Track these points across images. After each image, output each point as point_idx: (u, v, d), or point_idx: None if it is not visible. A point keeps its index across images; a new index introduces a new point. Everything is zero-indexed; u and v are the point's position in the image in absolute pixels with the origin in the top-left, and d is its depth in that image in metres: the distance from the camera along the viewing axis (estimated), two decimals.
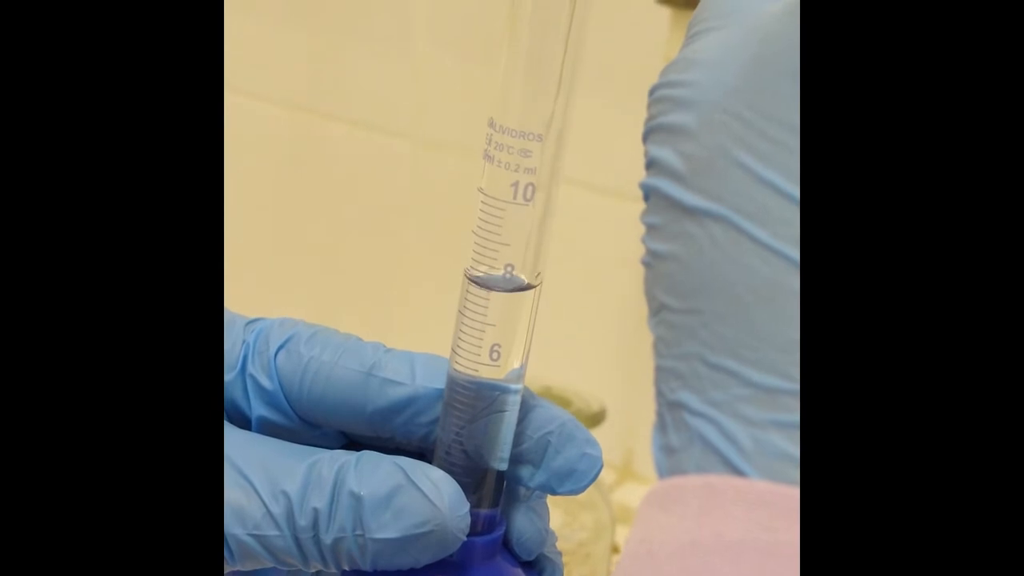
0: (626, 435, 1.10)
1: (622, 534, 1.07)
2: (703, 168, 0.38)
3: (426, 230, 1.17)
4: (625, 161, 1.09)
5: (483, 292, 0.44)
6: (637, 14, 1.01)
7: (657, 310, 0.39)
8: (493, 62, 1.08)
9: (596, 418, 0.98)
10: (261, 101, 1.21)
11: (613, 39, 1.03)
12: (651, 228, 0.39)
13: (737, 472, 0.36)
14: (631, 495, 1.10)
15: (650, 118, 0.39)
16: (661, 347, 0.38)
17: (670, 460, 0.38)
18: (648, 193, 0.39)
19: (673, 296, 0.38)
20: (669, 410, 0.38)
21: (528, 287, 0.44)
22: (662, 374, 0.38)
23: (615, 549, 1.04)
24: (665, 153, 0.39)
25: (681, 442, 0.37)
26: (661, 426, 0.38)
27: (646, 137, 0.39)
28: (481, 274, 0.44)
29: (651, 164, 0.39)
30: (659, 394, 0.38)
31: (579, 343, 1.08)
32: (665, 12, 0.99)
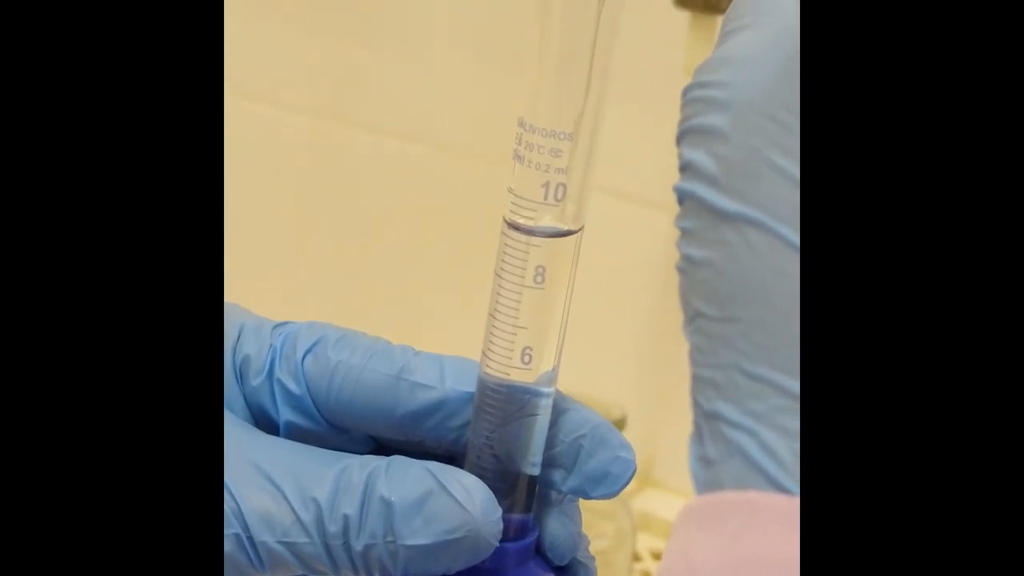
0: (646, 442, 1.09)
1: (643, 542, 1.07)
2: (738, 171, 0.37)
3: (446, 235, 1.16)
4: (640, 166, 1.08)
5: (515, 295, 0.44)
6: (655, 18, 1.00)
7: (693, 317, 0.38)
8: (513, 66, 1.08)
9: (617, 426, 0.96)
10: (280, 109, 1.21)
11: (630, 43, 1.02)
12: (686, 233, 0.38)
13: (777, 486, 0.36)
14: (651, 502, 1.10)
15: (683, 120, 0.39)
16: (697, 356, 0.38)
17: (708, 472, 0.37)
18: (682, 197, 0.38)
19: (709, 304, 0.37)
20: (706, 421, 0.37)
21: (568, 233, 0.43)
22: (698, 383, 0.38)
23: (636, 557, 1.04)
24: (699, 156, 0.38)
25: (719, 454, 0.37)
26: (698, 437, 0.38)
27: (680, 139, 0.39)
28: (512, 277, 0.44)
29: (685, 167, 0.38)
30: (695, 404, 0.38)
31: (598, 350, 1.08)
32: (684, 16, 0.98)
